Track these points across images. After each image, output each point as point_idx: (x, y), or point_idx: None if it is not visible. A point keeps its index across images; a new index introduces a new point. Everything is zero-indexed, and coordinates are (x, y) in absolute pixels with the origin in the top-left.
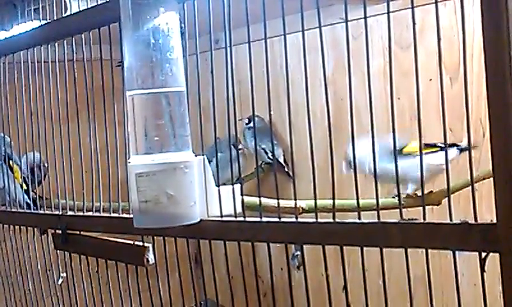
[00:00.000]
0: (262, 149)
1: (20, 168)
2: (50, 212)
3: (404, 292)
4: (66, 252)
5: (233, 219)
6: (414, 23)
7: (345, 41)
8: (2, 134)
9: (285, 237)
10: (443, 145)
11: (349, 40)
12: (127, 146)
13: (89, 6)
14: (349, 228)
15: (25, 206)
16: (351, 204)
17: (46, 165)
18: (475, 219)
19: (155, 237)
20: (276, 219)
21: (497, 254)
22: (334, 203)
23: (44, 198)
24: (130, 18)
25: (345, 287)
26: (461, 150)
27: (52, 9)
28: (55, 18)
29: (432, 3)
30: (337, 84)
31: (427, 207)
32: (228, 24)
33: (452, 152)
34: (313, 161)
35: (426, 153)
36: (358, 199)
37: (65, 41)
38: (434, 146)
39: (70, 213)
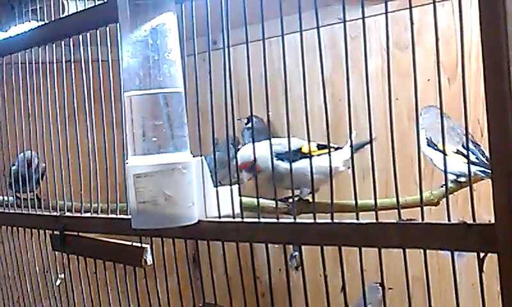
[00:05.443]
0: None
1: None
2: (48, 213)
3: (402, 292)
4: (64, 254)
5: (231, 219)
6: (412, 24)
7: (343, 41)
8: None
9: (283, 238)
10: (335, 146)
11: (347, 41)
12: (125, 146)
13: (86, 7)
14: (347, 229)
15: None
16: (349, 205)
17: (44, 164)
18: (474, 219)
19: (153, 238)
20: (274, 220)
21: (495, 255)
22: (332, 203)
23: (42, 199)
24: (128, 19)
25: (343, 288)
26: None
27: (50, 10)
28: (52, 19)
29: (430, 3)
30: (335, 84)
31: (425, 207)
32: (226, 25)
33: (346, 153)
34: (311, 161)
35: (319, 155)
36: (356, 199)
37: (63, 42)
38: (325, 147)
39: (67, 214)
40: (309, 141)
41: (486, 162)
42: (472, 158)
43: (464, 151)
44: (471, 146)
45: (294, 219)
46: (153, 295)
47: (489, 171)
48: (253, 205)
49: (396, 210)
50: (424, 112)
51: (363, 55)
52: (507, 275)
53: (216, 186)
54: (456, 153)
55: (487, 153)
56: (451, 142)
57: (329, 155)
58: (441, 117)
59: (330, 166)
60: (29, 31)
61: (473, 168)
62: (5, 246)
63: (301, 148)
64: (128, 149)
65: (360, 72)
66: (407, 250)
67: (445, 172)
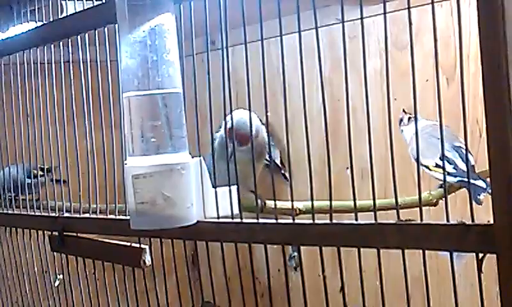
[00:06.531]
0: None
1: None
2: (46, 214)
3: (401, 293)
4: (62, 254)
5: (230, 220)
6: (410, 24)
7: (342, 42)
8: None
9: (282, 238)
10: None
11: (346, 41)
12: (124, 147)
13: (85, 8)
14: (346, 229)
15: None
16: (348, 206)
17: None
18: (472, 220)
19: (152, 239)
20: (273, 221)
21: (494, 255)
22: (331, 204)
23: (41, 200)
24: (127, 20)
25: (342, 288)
26: None
27: (48, 10)
28: (51, 19)
29: (429, 4)
30: (334, 85)
31: (423, 208)
32: (224, 25)
33: None
34: (310, 162)
35: None
36: (355, 200)
37: (61, 43)
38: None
39: (66, 215)
40: (308, 142)
41: (466, 168)
42: (450, 168)
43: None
44: (450, 155)
45: (293, 219)
46: (152, 296)
47: (467, 180)
48: (252, 206)
49: (395, 211)
50: (405, 124)
51: (362, 55)
52: (506, 276)
53: (215, 187)
54: (435, 166)
55: (469, 155)
56: (429, 156)
57: (328, 158)
58: (440, 117)
59: (330, 174)
60: (28, 31)
61: (452, 179)
62: (4, 247)
63: None
64: (127, 150)
65: (359, 73)
66: (406, 250)
67: (444, 173)
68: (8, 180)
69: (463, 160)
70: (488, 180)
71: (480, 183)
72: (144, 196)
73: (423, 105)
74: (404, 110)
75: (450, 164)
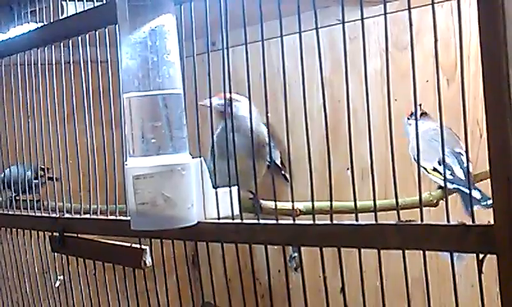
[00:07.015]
0: None
1: None
2: (47, 215)
3: (401, 294)
4: (63, 255)
5: (230, 221)
6: (411, 25)
7: (343, 42)
8: None
9: (283, 239)
10: None
11: (346, 42)
12: (124, 148)
13: (85, 9)
14: (346, 230)
15: None
16: (349, 206)
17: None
18: (473, 221)
19: (152, 239)
20: (274, 221)
21: (495, 256)
22: (331, 204)
23: (41, 201)
24: (127, 20)
25: (342, 289)
26: None
27: (49, 11)
28: (51, 20)
29: (429, 4)
30: (334, 85)
31: (424, 208)
32: (225, 26)
33: None
34: (311, 163)
35: None
36: (355, 200)
37: (62, 44)
38: None
39: (67, 215)
40: (308, 142)
41: (463, 175)
42: (447, 174)
43: (440, 168)
44: (449, 160)
45: (293, 220)
46: (153, 297)
47: (464, 189)
48: (252, 206)
49: (395, 211)
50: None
51: (362, 56)
52: (506, 277)
53: (215, 187)
54: (433, 170)
55: (468, 163)
56: (429, 159)
57: (329, 159)
58: (440, 117)
59: (330, 174)
60: (28, 32)
61: (448, 185)
62: (4, 247)
63: None
64: (128, 151)
65: (359, 73)
66: (406, 251)
67: (444, 173)
68: (20, 180)
69: (461, 167)
70: (485, 182)
71: (475, 193)
72: (145, 196)
73: (423, 106)
74: (420, 105)
75: (448, 169)
